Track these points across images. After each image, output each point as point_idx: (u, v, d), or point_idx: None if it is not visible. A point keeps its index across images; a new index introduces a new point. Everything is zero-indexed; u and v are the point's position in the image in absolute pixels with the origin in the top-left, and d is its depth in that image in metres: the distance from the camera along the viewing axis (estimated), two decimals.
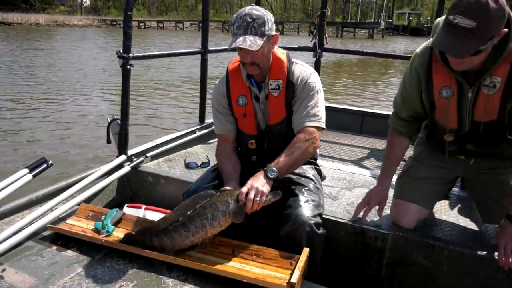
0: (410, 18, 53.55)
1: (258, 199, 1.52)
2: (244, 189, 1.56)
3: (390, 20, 53.53)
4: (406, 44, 31.93)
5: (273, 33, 1.69)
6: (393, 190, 1.99)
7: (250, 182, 1.57)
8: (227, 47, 1.77)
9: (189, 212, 1.53)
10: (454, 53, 1.39)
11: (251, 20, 1.61)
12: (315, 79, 1.79)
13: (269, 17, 1.67)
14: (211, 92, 3.39)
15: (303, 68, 1.81)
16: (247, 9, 1.66)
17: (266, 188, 1.56)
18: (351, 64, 16.96)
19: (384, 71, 15.29)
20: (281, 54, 1.81)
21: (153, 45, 23.44)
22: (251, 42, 1.59)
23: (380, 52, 4.37)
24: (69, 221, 1.81)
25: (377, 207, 1.87)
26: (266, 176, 1.59)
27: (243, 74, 1.81)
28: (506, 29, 1.36)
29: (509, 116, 1.57)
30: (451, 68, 1.52)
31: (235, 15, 1.67)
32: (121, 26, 2.42)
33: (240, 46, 1.59)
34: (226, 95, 1.86)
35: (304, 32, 44.30)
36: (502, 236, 1.60)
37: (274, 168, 1.61)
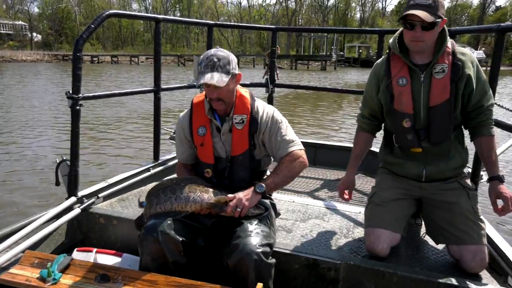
0: (360, 50, 56.49)
1: (239, 209, 1.76)
2: (231, 196, 1.79)
3: (341, 53, 56.16)
4: (357, 75, 33.43)
5: (237, 72, 1.88)
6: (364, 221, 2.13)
7: (238, 193, 1.81)
8: (181, 85, 1.87)
9: (179, 183, 1.84)
10: (423, 15, 1.78)
11: (217, 60, 1.80)
12: (278, 113, 2.01)
13: (233, 57, 1.87)
14: (165, 129, 3.44)
15: (265, 106, 2.02)
16: (212, 51, 1.85)
17: (249, 202, 1.79)
18: (305, 96, 17.46)
19: (337, 103, 15.83)
20: (244, 92, 2.00)
21: (109, 79, 23.13)
22: (218, 79, 1.76)
23: (330, 87, 4.57)
24: (12, 270, 1.72)
25: None
26: (254, 191, 1.82)
27: (206, 107, 1.96)
28: (445, 19, 1.86)
29: (459, 99, 1.92)
30: (407, 58, 1.95)
31: (201, 56, 1.85)
32: None
33: (208, 82, 1.75)
34: (188, 125, 2.00)
35: (259, 65, 45.42)
36: (491, 193, 1.92)
37: (262, 184, 1.85)
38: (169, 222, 1.74)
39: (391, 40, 2.02)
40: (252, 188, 1.84)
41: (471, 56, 1.94)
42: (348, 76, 33.14)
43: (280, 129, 1.95)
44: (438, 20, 1.81)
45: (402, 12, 1.87)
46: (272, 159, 2.06)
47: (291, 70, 41.86)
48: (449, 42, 1.93)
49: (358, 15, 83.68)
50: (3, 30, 68.17)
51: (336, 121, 11.32)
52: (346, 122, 10.87)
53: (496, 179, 1.90)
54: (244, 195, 1.80)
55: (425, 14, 1.78)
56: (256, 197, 1.83)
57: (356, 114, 2.32)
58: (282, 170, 1.90)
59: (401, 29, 1.99)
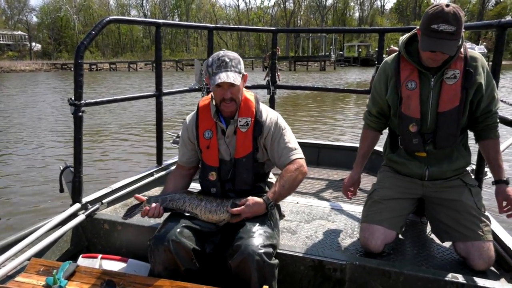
0: (360, 49, 56.50)
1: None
2: (235, 210, 1.81)
3: (341, 52, 56.20)
4: (357, 75, 33.38)
5: (244, 72, 1.91)
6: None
7: (244, 209, 1.80)
8: (182, 89, 1.85)
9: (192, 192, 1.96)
10: (447, 51, 1.74)
11: (228, 60, 1.82)
12: (281, 120, 2.02)
13: (240, 59, 1.90)
14: (168, 133, 3.43)
15: (270, 111, 2.03)
16: (221, 52, 1.87)
17: (254, 215, 1.82)
18: (307, 97, 17.45)
19: (339, 102, 15.82)
20: (250, 95, 1.99)
21: (109, 87, 23.14)
22: (234, 78, 1.79)
23: (330, 87, 4.57)
24: (18, 278, 1.71)
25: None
26: (265, 205, 1.84)
27: (212, 110, 1.95)
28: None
29: (469, 105, 1.90)
30: (417, 64, 1.90)
31: (210, 59, 1.87)
32: (72, 69, 2.43)
33: (226, 81, 1.77)
34: (194, 128, 2.00)
35: (258, 67, 45.42)
36: (498, 195, 1.94)
37: (272, 201, 1.86)
38: (178, 230, 1.73)
39: (400, 43, 1.98)
40: (264, 205, 1.84)
41: (482, 60, 1.91)
42: (348, 75, 33.07)
43: (283, 136, 1.96)
44: (458, 44, 1.76)
45: (424, 25, 1.75)
46: None
47: (290, 72, 41.81)
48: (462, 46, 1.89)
49: (357, 14, 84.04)
50: (3, 40, 68.45)
51: (338, 121, 11.29)
52: (349, 122, 10.83)
53: (503, 182, 1.92)
54: (251, 213, 1.82)
55: (450, 47, 1.73)
56: (264, 208, 1.85)
57: (359, 114, 2.30)
58: (287, 181, 1.88)
59: (411, 33, 1.95)
